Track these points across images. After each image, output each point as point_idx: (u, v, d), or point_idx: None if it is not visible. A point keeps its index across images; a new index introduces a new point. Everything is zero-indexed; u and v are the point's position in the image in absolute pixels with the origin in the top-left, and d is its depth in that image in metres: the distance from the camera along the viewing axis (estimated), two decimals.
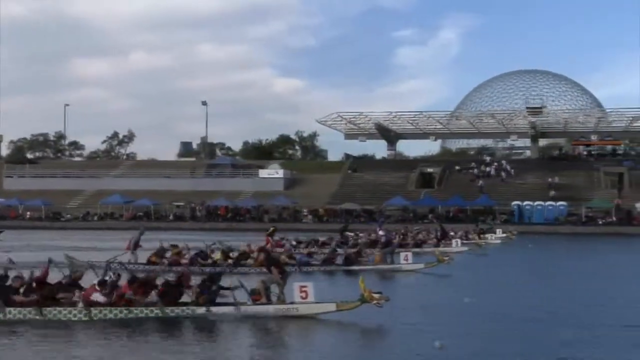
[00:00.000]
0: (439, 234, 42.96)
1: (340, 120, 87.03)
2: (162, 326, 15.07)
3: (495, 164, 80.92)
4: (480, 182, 75.89)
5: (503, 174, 78.05)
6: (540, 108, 79.78)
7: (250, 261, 27.32)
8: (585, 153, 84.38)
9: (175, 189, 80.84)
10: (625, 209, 65.95)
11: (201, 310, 15.71)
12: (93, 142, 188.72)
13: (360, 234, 40.09)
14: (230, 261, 27.47)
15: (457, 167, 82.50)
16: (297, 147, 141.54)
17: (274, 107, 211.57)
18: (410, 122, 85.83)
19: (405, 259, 27.84)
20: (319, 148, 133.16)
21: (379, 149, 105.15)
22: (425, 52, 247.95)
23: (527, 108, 79.11)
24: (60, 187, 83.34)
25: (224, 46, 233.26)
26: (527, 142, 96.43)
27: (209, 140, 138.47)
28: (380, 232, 35.39)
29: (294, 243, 32.88)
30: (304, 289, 15.88)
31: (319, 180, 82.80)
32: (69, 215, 75.70)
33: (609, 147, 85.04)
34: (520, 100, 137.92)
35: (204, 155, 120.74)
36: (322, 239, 36.36)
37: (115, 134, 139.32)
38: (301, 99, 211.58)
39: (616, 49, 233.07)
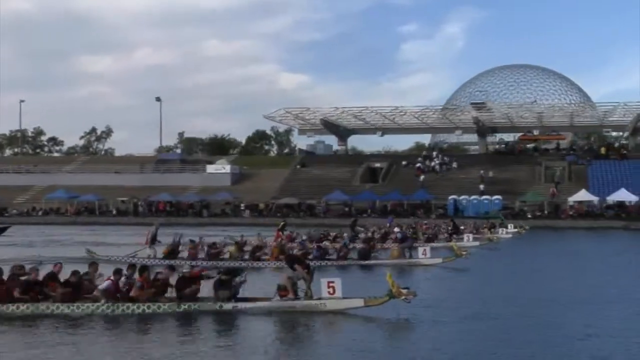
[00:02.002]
0: (449, 228, 43.29)
1: (288, 116, 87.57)
2: (187, 321, 15.04)
3: (436, 159, 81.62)
4: (422, 176, 76.64)
5: (437, 167, 78.94)
6: (483, 103, 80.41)
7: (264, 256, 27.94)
8: (530, 147, 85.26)
9: (124, 184, 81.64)
10: (554, 203, 66.86)
11: (228, 305, 15.70)
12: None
13: (371, 229, 40.58)
14: (245, 255, 28.02)
15: (403, 163, 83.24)
16: (273, 143, 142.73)
17: (280, 102, 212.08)
18: (357, 117, 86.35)
19: (424, 254, 27.84)
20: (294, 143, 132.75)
21: (363, 143, 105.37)
22: (431, 47, 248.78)
23: (471, 103, 79.75)
24: (11, 183, 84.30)
25: (230, 42, 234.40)
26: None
27: (191, 135, 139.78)
28: (396, 229, 35.57)
29: (304, 237, 33.01)
30: (331, 284, 15.81)
31: (267, 175, 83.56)
32: (14, 211, 76.16)
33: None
34: (511, 95, 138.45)
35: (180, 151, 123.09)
36: (333, 233, 36.65)
37: (93, 130, 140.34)
38: (307, 94, 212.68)
39: (623, 45, 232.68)
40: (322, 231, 38.08)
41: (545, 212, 66.20)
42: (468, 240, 37.61)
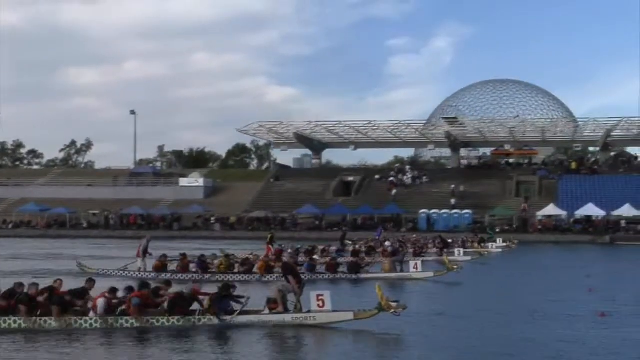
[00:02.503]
0: (438, 243, 43.32)
1: (262, 130, 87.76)
2: (178, 335, 14.93)
3: (408, 173, 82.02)
4: (394, 190, 76.96)
5: (410, 181, 79.42)
6: (455, 118, 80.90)
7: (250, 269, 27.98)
8: (503, 162, 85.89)
9: (97, 197, 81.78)
10: (523, 217, 67.35)
11: (217, 319, 15.71)
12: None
13: (359, 242, 40.74)
14: (235, 269, 28.03)
15: (376, 177, 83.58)
16: (253, 156, 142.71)
17: (268, 115, 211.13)
18: (330, 130, 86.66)
19: (415, 268, 27.88)
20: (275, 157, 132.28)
21: (339, 157, 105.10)
22: (419, 61, 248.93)
23: (443, 118, 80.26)
24: None
25: (219, 55, 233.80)
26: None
27: (173, 149, 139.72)
28: (387, 243, 35.57)
29: (289, 251, 32.72)
30: (320, 297, 15.75)
31: (241, 188, 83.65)
32: None
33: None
34: (494, 110, 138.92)
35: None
36: (320, 246, 36.75)
37: (73, 143, 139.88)
38: (295, 108, 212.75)
39: (610, 60, 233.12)
40: (309, 245, 38.02)
41: (514, 226, 66.57)
42: (459, 254, 37.60)
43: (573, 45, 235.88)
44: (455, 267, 27.16)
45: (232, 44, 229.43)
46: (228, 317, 15.75)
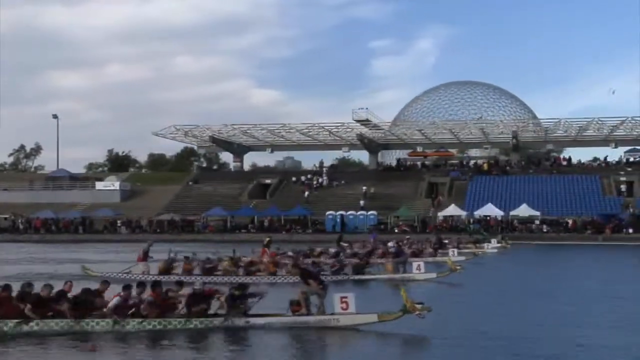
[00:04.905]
0: (434, 243, 43.27)
1: (178, 133, 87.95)
2: (197, 338, 14.74)
3: (324, 175, 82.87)
4: (307, 192, 77.75)
5: (325, 183, 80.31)
6: (368, 120, 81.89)
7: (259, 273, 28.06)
8: (419, 164, 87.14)
9: (13, 201, 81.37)
10: (423, 217, 68.54)
11: (240, 321, 15.51)
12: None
13: (355, 245, 40.46)
14: (240, 270, 27.96)
15: (293, 179, 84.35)
16: (202, 160, 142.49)
17: (252, 118, 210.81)
18: (247, 133, 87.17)
19: (418, 269, 27.87)
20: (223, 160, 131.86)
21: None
22: (402, 63, 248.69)
23: (355, 120, 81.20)
24: None
25: (201, 58, 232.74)
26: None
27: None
28: (390, 244, 35.56)
29: (290, 254, 32.60)
30: (344, 299, 15.65)
31: (159, 192, 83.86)
32: None
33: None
34: (459, 111, 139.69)
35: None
36: (318, 249, 36.33)
37: (22, 147, 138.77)
38: (279, 110, 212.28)
39: (594, 62, 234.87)
40: (308, 248, 37.43)
41: (414, 225, 67.55)
42: (453, 255, 37.38)
43: (559, 47, 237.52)
44: (458, 267, 27.30)
45: (214, 47, 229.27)
46: (250, 319, 15.66)
